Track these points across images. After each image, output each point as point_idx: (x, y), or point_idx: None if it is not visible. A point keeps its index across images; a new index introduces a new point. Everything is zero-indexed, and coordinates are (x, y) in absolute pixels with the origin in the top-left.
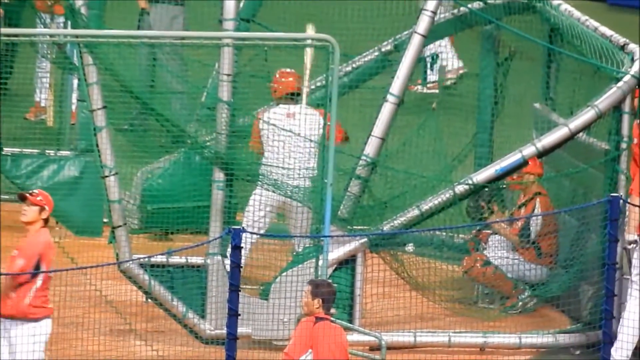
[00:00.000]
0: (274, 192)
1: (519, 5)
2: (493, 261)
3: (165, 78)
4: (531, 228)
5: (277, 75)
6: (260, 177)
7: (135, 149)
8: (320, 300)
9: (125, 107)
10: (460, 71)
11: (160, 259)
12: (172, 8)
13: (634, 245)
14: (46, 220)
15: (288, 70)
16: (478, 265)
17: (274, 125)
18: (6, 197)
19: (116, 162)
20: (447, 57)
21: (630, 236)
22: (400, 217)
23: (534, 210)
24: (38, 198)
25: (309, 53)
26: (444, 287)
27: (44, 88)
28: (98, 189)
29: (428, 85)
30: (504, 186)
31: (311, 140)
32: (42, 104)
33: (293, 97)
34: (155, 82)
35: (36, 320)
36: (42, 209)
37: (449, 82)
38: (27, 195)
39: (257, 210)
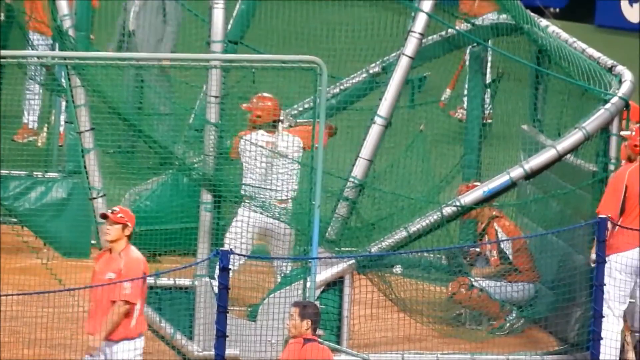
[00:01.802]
0: (261, 213)
1: (507, 26)
2: (477, 284)
3: (153, 99)
4: (506, 252)
5: (255, 101)
6: (245, 198)
7: (123, 171)
8: (310, 322)
9: (113, 129)
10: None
11: (148, 280)
12: (159, 29)
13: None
14: (129, 237)
15: (265, 94)
16: (463, 289)
17: (255, 150)
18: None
19: (104, 184)
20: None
21: (593, 255)
22: (388, 239)
23: (496, 232)
24: (119, 215)
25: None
26: (432, 308)
27: (32, 110)
28: (86, 210)
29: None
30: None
31: (294, 161)
32: (30, 126)
33: (274, 123)
34: (142, 103)
35: (137, 337)
36: (124, 226)
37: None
38: (108, 213)
39: (243, 232)
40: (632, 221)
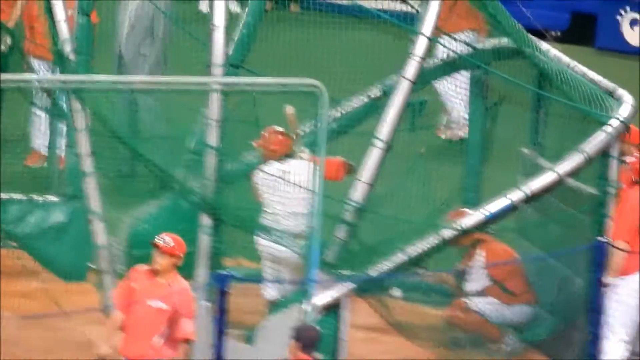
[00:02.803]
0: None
1: (508, 50)
2: (474, 307)
3: (151, 123)
4: (483, 278)
5: (268, 135)
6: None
7: (123, 195)
8: (296, 342)
9: (113, 153)
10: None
11: None
12: (147, 50)
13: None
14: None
15: (277, 128)
16: (460, 313)
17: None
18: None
19: (104, 208)
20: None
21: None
22: (387, 263)
23: (475, 255)
24: (171, 245)
25: (288, 113)
26: (431, 331)
27: (41, 135)
28: (85, 234)
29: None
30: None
31: (307, 189)
32: (42, 151)
33: (288, 156)
34: (141, 127)
35: None
36: (176, 256)
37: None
38: (159, 243)
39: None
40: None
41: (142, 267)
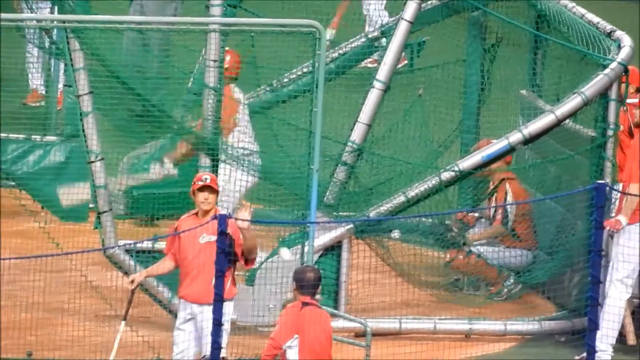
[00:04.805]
0: (260, 178)
1: None
2: (476, 250)
3: (152, 63)
4: (508, 215)
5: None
6: (249, 165)
7: (122, 135)
8: (295, 284)
9: (112, 93)
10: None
11: (146, 244)
12: None
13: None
14: None
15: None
16: (461, 256)
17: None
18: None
19: (102, 148)
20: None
21: (620, 220)
22: (386, 204)
23: (506, 194)
24: (216, 183)
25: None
26: (430, 273)
27: (38, 74)
28: (84, 174)
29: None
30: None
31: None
32: (40, 91)
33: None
34: (141, 67)
35: (229, 300)
36: (218, 194)
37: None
38: (208, 183)
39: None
40: None
41: (186, 215)
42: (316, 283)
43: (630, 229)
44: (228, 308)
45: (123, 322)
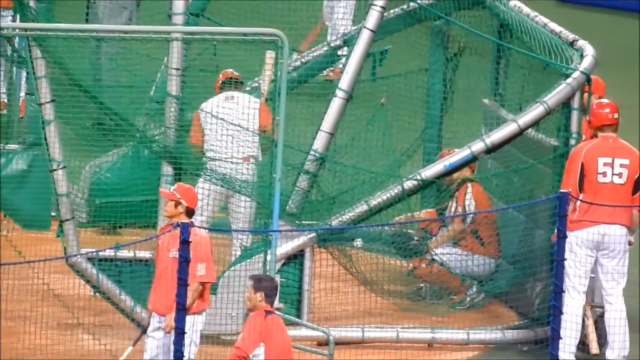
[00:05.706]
0: (221, 186)
1: (469, 0)
2: (439, 258)
3: (114, 71)
4: (467, 209)
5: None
6: (206, 170)
7: (84, 143)
8: (263, 294)
9: (74, 101)
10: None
11: (108, 252)
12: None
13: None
14: (190, 214)
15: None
16: (423, 264)
17: (211, 113)
18: None
19: (64, 156)
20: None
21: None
22: (348, 212)
23: (466, 193)
24: (173, 192)
25: (268, 56)
26: (392, 282)
27: (2, 83)
28: (46, 182)
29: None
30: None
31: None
32: (1, 100)
33: (232, 84)
34: (103, 75)
35: (198, 313)
36: (177, 203)
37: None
38: (164, 190)
39: (203, 204)
40: (591, 199)
41: (165, 223)
42: (274, 291)
43: (570, 236)
44: (198, 321)
45: (130, 347)
